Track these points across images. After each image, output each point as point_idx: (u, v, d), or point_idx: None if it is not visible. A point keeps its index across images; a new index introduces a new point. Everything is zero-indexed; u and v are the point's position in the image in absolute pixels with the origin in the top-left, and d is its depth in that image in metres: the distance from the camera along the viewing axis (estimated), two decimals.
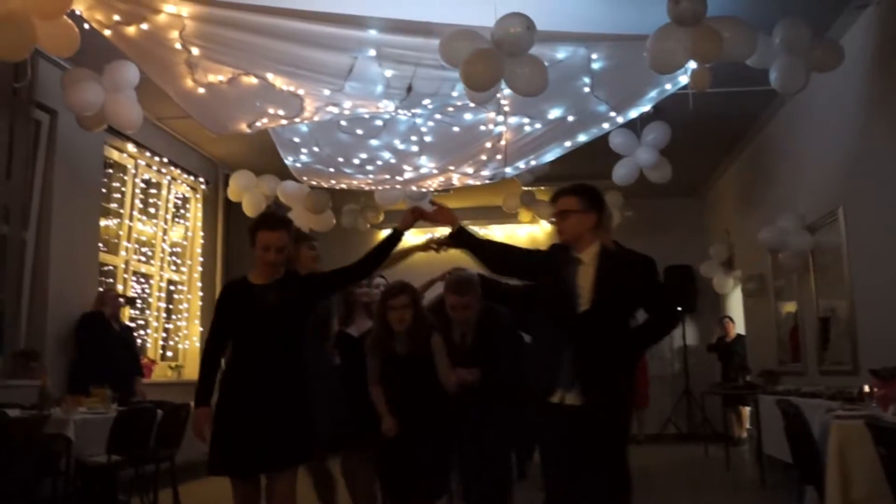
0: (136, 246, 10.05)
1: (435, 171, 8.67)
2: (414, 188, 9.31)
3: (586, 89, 6.69)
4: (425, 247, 5.31)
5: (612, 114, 7.25)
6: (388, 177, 8.94)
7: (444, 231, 4.78)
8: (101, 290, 8.70)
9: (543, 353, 4.35)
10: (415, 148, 8.06)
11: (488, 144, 7.92)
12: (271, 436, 4.20)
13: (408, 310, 4.97)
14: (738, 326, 12.36)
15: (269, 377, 4.30)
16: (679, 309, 5.45)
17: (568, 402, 4.17)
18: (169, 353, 10.90)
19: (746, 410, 11.49)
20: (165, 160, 10.39)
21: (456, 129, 7.63)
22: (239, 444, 4.23)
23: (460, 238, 4.63)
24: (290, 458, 4.28)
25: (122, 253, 9.71)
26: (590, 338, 4.16)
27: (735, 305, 12.74)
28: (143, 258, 10.25)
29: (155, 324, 10.46)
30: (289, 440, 4.25)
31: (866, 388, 5.84)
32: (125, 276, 9.71)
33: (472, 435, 5.16)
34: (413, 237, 5.07)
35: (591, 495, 4.19)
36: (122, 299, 9.00)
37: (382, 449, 4.99)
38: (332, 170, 8.72)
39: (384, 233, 13.14)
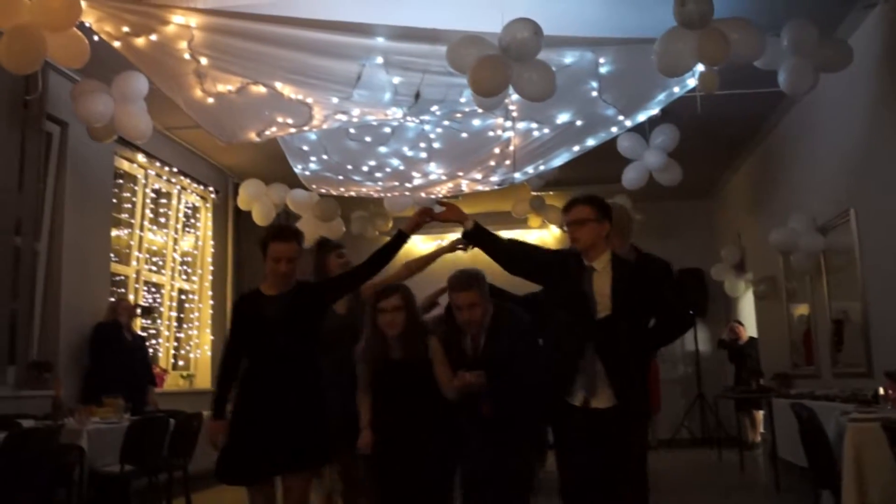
0: (147, 256, 10.08)
1: (444, 178, 8.66)
2: (423, 195, 9.30)
3: (594, 93, 6.68)
4: (451, 248, 5.28)
5: (621, 117, 7.24)
6: (396, 184, 8.94)
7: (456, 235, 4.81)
8: (112, 299, 8.72)
9: (557, 357, 4.40)
10: (423, 154, 8.06)
11: (497, 150, 7.92)
12: (284, 439, 4.29)
13: (400, 312, 4.65)
14: (750, 329, 12.32)
15: (283, 385, 4.38)
16: (690, 312, 5.43)
17: (593, 406, 4.26)
18: (180, 363, 10.91)
19: (760, 414, 11.47)
20: (175, 170, 10.42)
21: (464, 135, 7.63)
22: (252, 451, 4.30)
23: (477, 234, 4.67)
24: (302, 461, 4.35)
25: (133, 263, 9.74)
26: (613, 342, 4.25)
27: (747, 308, 12.70)
28: (153, 268, 10.27)
29: (166, 333, 10.48)
30: (301, 443, 4.31)
31: (881, 391, 5.82)
32: (136, 285, 9.74)
33: (481, 447, 4.71)
34: (421, 241, 5.01)
35: (611, 497, 4.25)
36: (138, 309, 9.03)
37: (381, 460, 4.66)
38: (340, 177, 8.72)
39: None
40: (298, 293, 4.55)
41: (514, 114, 7.11)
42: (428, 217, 4.85)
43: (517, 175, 8.53)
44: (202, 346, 11.25)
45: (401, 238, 4.74)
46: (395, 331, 4.65)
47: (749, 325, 12.37)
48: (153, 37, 5.75)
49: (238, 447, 4.36)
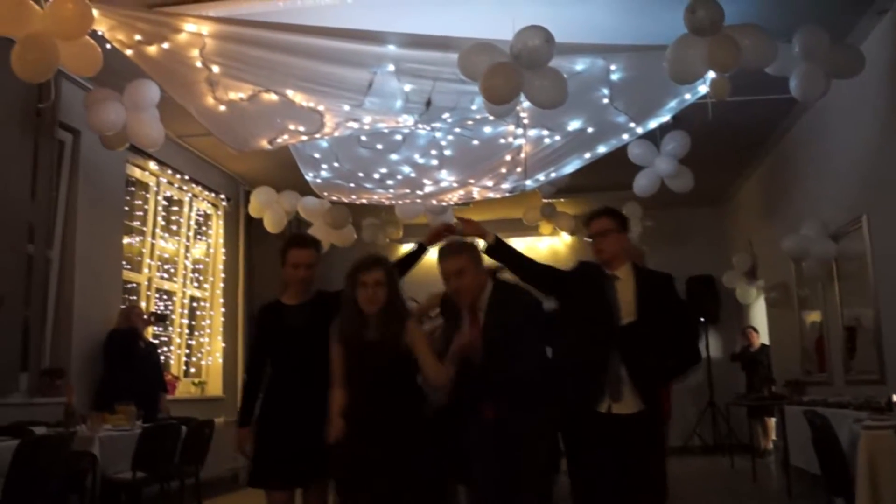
0: (159, 263, 10.10)
1: (455, 185, 8.66)
2: (434, 202, 9.31)
3: (605, 100, 6.68)
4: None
5: (632, 124, 7.23)
6: (408, 191, 8.94)
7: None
8: (123, 306, 8.72)
9: (580, 365, 4.43)
10: (434, 162, 8.06)
11: (508, 157, 7.91)
12: (309, 447, 4.36)
13: (381, 288, 4.24)
14: (762, 336, 12.28)
15: (306, 393, 4.45)
16: (703, 321, 5.50)
17: (615, 412, 4.34)
18: (192, 370, 10.93)
19: (772, 421, 11.42)
20: (187, 177, 10.45)
21: (475, 142, 7.63)
22: (280, 457, 4.44)
23: (498, 248, 4.70)
24: (323, 467, 4.41)
25: (145, 270, 9.76)
26: (637, 348, 4.36)
27: (759, 315, 12.65)
28: (165, 275, 10.30)
29: (178, 340, 10.49)
30: (323, 449, 4.37)
31: (894, 398, 5.80)
32: (148, 293, 9.76)
33: (486, 449, 4.33)
34: (435, 251, 4.93)
35: (630, 502, 4.33)
36: (152, 317, 9.05)
37: (354, 456, 4.17)
38: (352, 185, 8.73)
39: (405, 247, 13.15)
40: (319, 302, 4.66)
41: (526, 121, 7.11)
42: (448, 232, 4.88)
43: (528, 182, 8.53)
44: (213, 354, 11.27)
45: (420, 250, 4.86)
46: (374, 307, 4.24)
47: (761, 332, 12.32)
48: (165, 45, 5.78)
49: (266, 453, 4.48)
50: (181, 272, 10.64)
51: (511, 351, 4.33)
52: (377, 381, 4.26)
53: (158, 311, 9.71)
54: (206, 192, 11.13)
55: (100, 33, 5.66)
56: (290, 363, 4.57)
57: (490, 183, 8.56)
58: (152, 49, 5.83)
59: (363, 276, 4.25)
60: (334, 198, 9.35)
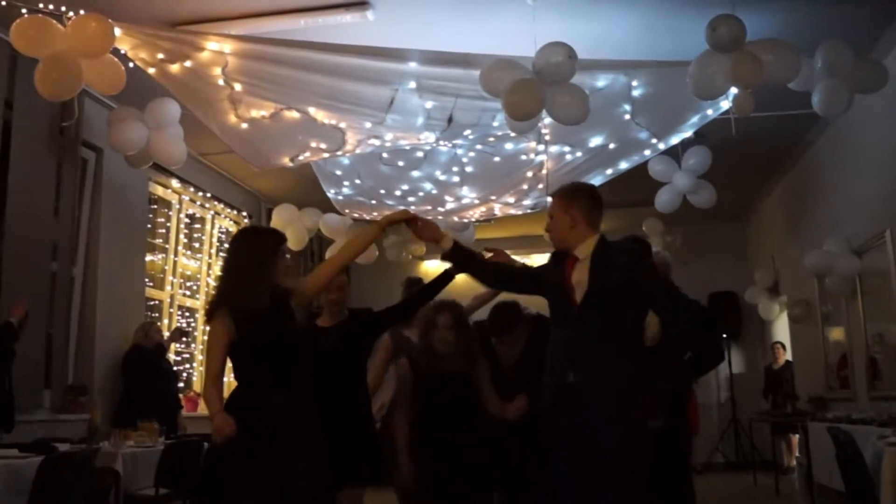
0: (181, 280, 10.14)
1: (476, 202, 8.66)
2: (456, 219, 9.31)
3: (627, 117, 6.67)
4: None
5: (654, 140, 7.22)
6: (429, 208, 8.95)
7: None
8: (146, 321, 8.72)
9: None
10: (456, 178, 8.07)
11: (529, 174, 7.92)
12: (342, 459, 4.38)
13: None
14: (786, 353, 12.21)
15: (340, 409, 4.53)
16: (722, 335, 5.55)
17: None
18: None
19: (796, 438, 11.34)
20: (209, 195, 10.50)
21: (497, 158, 7.63)
22: None
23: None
24: (357, 476, 4.53)
25: (168, 288, 9.80)
26: (659, 368, 4.30)
27: (782, 331, 12.57)
28: (187, 292, 10.33)
29: (200, 357, 10.51)
30: (356, 459, 4.42)
31: None
32: (170, 310, 9.80)
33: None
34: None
35: None
36: (177, 332, 9.05)
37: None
38: (374, 202, 8.75)
39: (426, 264, 13.08)
40: (351, 322, 4.78)
41: (547, 137, 7.11)
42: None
43: (550, 199, 8.51)
44: None
45: (449, 275, 4.85)
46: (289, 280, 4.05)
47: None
48: (188, 63, 5.82)
49: None
50: (203, 289, 10.67)
51: (603, 319, 3.87)
52: (279, 361, 3.94)
53: (181, 327, 9.72)
54: (228, 210, 11.18)
55: (122, 52, 5.70)
56: (325, 381, 4.56)
57: (512, 199, 8.57)
58: (175, 67, 5.87)
59: (286, 247, 4.19)
60: (356, 215, 9.36)
